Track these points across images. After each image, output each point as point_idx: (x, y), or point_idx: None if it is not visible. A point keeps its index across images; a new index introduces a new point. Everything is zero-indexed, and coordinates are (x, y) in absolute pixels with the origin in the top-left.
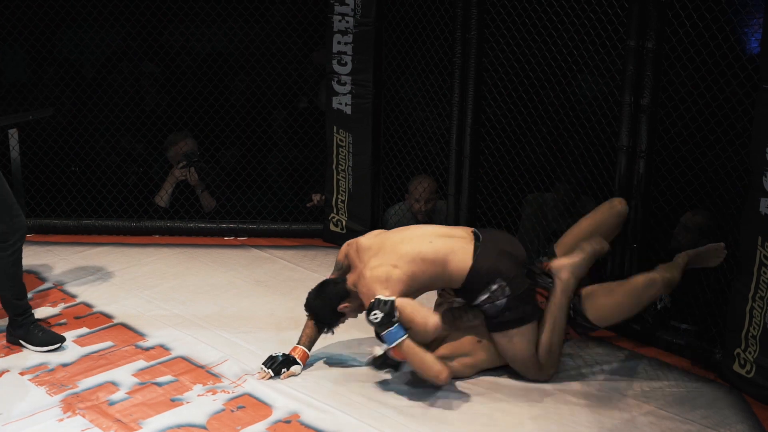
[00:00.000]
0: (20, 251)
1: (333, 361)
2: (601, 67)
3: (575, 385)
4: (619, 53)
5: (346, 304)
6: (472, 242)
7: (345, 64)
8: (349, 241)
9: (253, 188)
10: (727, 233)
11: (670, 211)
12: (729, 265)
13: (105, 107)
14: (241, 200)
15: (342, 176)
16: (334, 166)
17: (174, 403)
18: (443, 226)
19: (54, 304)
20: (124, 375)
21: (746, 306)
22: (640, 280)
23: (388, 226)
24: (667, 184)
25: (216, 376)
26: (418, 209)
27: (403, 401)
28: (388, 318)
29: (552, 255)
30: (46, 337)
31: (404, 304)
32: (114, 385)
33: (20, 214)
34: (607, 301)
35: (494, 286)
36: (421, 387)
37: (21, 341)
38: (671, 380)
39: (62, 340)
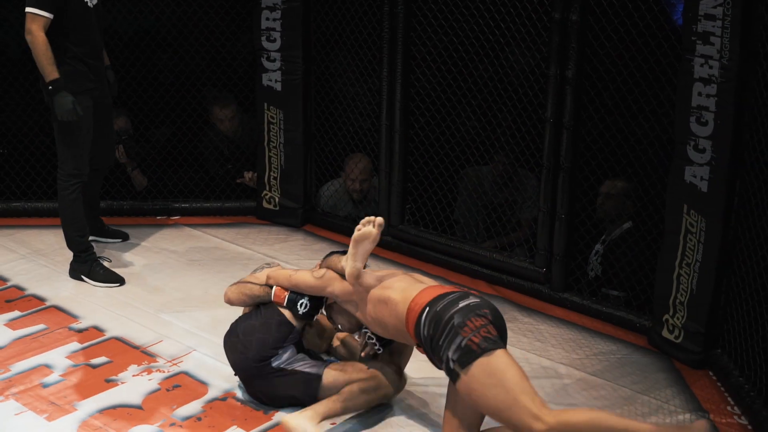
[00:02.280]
0: (79, 192)
1: None
2: (527, 39)
3: None
4: (545, 26)
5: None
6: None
7: (274, 41)
8: None
9: (184, 167)
10: (654, 202)
11: (595, 181)
12: (657, 233)
13: (32, 87)
14: (172, 179)
15: (274, 153)
16: (265, 143)
17: (109, 384)
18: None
19: None
20: (58, 357)
21: (673, 273)
22: None
23: (321, 202)
24: (592, 155)
25: (151, 356)
26: (353, 189)
27: None
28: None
29: None
30: (107, 275)
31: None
32: (47, 367)
33: (86, 165)
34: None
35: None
36: None
37: (83, 276)
38: (602, 348)
39: (122, 280)
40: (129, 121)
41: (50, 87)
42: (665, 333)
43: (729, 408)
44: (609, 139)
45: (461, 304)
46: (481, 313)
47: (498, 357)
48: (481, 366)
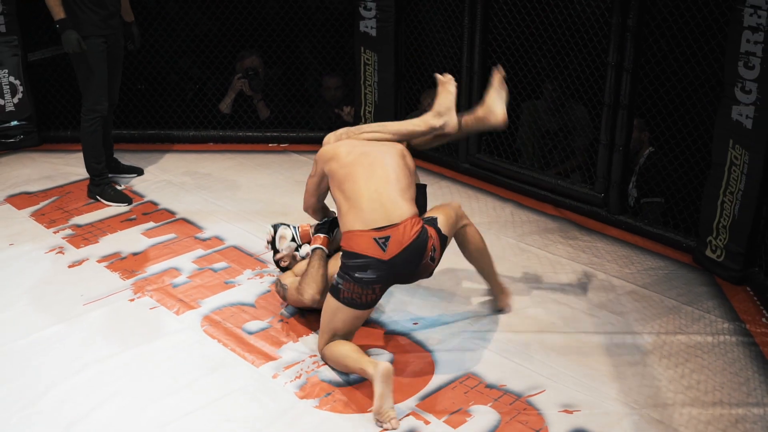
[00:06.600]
0: (97, 125)
1: None
2: None
3: (567, 268)
4: None
5: None
6: None
7: None
8: None
9: (293, 101)
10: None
11: (650, 118)
12: (704, 164)
13: (165, 32)
14: (282, 112)
15: (369, 90)
16: (361, 82)
17: (227, 285)
18: None
19: None
20: (185, 262)
21: (718, 200)
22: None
23: None
24: (648, 94)
25: (263, 263)
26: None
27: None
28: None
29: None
30: (117, 195)
31: None
32: (177, 270)
33: (106, 100)
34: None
35: None
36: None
37: (97, 197)
38: (651, 264)
39: (130, 200)
40: (259, 60)
41: (57, 26)
42: (708, 252)
43: (764, 319)
44: (663, 81)
45: (356, 275)
46: (367, 287)
47: (344, 309)
48: (334, 303)
